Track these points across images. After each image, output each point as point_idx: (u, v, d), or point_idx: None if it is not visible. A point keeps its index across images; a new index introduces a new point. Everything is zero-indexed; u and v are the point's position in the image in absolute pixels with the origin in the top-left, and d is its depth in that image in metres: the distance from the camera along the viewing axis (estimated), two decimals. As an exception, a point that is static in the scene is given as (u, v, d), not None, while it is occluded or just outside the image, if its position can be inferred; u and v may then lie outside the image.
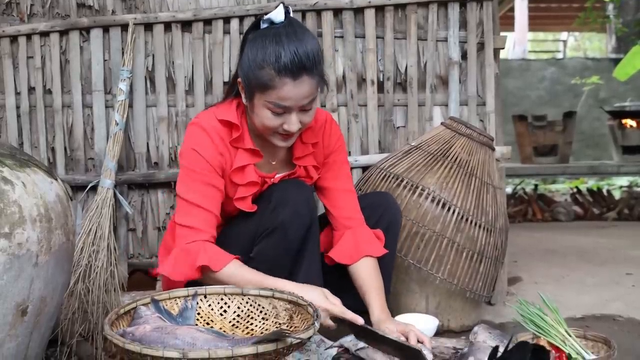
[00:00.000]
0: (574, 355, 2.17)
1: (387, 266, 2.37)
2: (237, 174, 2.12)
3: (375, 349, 2.00)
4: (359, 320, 1.95)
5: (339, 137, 2.32)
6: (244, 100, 2.06)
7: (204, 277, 2.00)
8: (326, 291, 2.00)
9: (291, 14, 2.00)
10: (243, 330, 1.81)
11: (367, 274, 2.23)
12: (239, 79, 2.04)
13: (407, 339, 2.05)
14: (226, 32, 3.11)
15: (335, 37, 3.10)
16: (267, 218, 2.11)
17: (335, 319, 1.98)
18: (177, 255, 2.01)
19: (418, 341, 2.05)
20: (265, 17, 1.98)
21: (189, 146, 2.08)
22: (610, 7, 11.86)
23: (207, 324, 1.81)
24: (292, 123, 1.99)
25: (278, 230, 2.09)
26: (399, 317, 2.38)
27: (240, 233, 2.17)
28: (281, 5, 1.97)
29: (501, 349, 1.77)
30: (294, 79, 1.91)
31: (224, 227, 2.22)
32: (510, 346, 1.76)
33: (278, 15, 1.96)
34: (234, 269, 1.98)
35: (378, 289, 2.22)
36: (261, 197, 2.17)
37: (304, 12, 3.08)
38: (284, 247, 2.11)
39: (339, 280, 2.27)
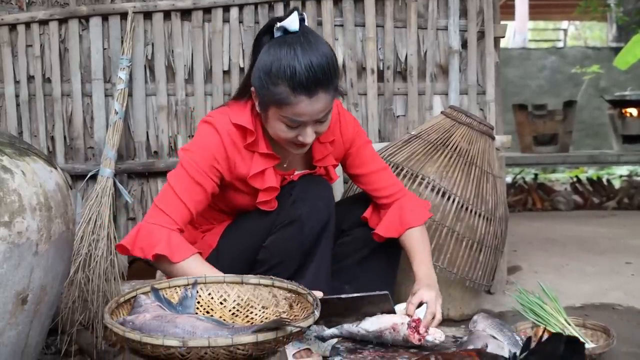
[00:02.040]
0: (573, 343, 2.17)
1: (393, 261, 2.38)
2: (256, 179, 2.10)
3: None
4: (318, 294, 1.93)
5: (354, 125, 2.30)
6: (257, 109, 2.03)
7: (157, 263, 1.97)
8: None
9: (306, 22, 1.97)
10: (243, 319, 1.81)
11: (410, 245, 2.24)
12: (253, 88, 2.01)
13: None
14: (226, 20, 3.10)
15: (335, 25, 3.09)
16: (285, 210, 2.11)
17: None
18: (141, 231, 1.98)
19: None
20: (279, 24, 1.94)
21: (196, 141, 2.07)
22: (611, -5, 11.84)
23: (207, 312, 1.81)
24: (308, 135, 1.98)
25: (295, 223, 2.09)
26: (398, 306, 2.38)
27: (257, 223, 2.16)
28: (295, 13, 1.94)
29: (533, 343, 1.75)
30: (309, 96, 1.89)
31: (241, 217, 2.22)
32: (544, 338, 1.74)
33: (292, 24, 1.93)
34: (191, 265, 1.94)
35: (420, 256, 2.22)
36: (281, 191, 2.16)
37: (304, 1, 3.07)
38: (298, 241, 2.11)
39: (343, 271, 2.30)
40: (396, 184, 2.32)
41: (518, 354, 1.67)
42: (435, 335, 2.03)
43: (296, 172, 2.21)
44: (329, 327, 2.14)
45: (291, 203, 2.11)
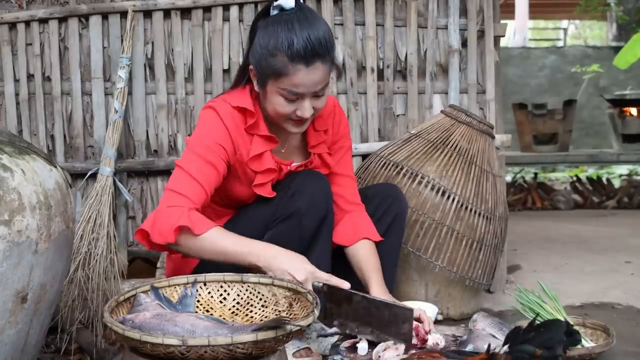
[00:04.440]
0: (572, 343, 2.17)
1: (392, 257, 2.39)
2: (254, 161, 2.12)
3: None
4: (345, 285, 1.94)
5: (346, 124, 2.35)
6: (256, 87, 2.06)
7: (180, 241, 1.93)
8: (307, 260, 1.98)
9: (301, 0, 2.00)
10: (243, 318, 1.81)
11: (365, 254, 2.25)
12: (251, 67, 2.04)
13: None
14: (225, 19, 3.09)
15: (335, 24, 3.09)
16: (284, 204, 2.12)
17: (319, 291, 1.93)
18: (158, 215, 1.94)
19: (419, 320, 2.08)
20: (275, 3, 1.97)
21: (201, 126, 2.08)
22: (611, -5, 11.83)
23: (207, 311, 1.81)
24: (305, 109, 2.00)
25: (293, 217, 2.10)
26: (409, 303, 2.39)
27: (255, 217, 2.17)
28: None
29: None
30: (307, 65, 1.93)
31: (239, 211, 2.23)
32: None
33: (288, 1, 1.97)
34: (216, 234, 1.93)
35: (377, 268, 2.23)
36: (280, 184, 2.18)
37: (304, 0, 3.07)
38: (297, 235, 2.11)
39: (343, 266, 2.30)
40: (357, 198, 2.35)
41: (501, 345, 1.62)
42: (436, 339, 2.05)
43: (293, 164, 2.22)
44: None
45: (289, 197, 2.12)
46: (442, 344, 2.04)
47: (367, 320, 1.99)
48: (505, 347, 1.54)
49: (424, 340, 2.02)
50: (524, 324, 2.24)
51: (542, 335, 1.52)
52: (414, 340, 2.02)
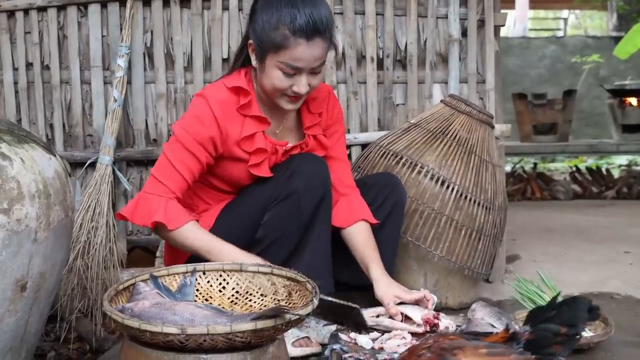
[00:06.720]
0: (571, 332, 2.17)
1: (391, 246, 2.40)
2: (246, 142, 2.15)
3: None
4: None
5: (340, 110, 2.40)
6: (254, 63, 2.11)
7: (157, 230, 2.08)
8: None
9: None
10: (242, 307, 1.81)
11: (363, 237, 2.29)
12: (250, 42, 2.09)
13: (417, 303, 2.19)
14: (225, 8, 3.08)
15: (335, 13, 3.07)
16: (282, 185, 2.15)
17: None
18: (139, 200, 2.07)
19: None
20: None
21: (189, 113, 2.14)
22: (612, -16, 11.80)
23: (206, 300, 1.82)
24: (302, 85, 2.05)
25: (291, 197, 2.13)
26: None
27: (254, 199, 2.20)
28: None
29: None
30: (307, 40, 1.99)
31: (238, 194, 2.25)
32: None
33: None
34: (187, 231, 2.05)
35: (375, 250, 2.28)
36: (278, 166, 2.21)
37: (303, -12, 3.05)
38: (295, 216, 2.14)
39: (339, 253, 2.31)
40: (351, 181, 2.38)
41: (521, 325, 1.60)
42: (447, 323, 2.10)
43: (289, 145, 2.24)
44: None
45: (287, 177, 2.15)
46: (452, 328, 2.07)
47: (325, 314, 2.12)
48: (527, 327, 1.53)
49: (434, 325, 2.06)
50: (522, 313, 2.26)
51: (564, 313, 1.51)
52: (421, 328, 2.07)
